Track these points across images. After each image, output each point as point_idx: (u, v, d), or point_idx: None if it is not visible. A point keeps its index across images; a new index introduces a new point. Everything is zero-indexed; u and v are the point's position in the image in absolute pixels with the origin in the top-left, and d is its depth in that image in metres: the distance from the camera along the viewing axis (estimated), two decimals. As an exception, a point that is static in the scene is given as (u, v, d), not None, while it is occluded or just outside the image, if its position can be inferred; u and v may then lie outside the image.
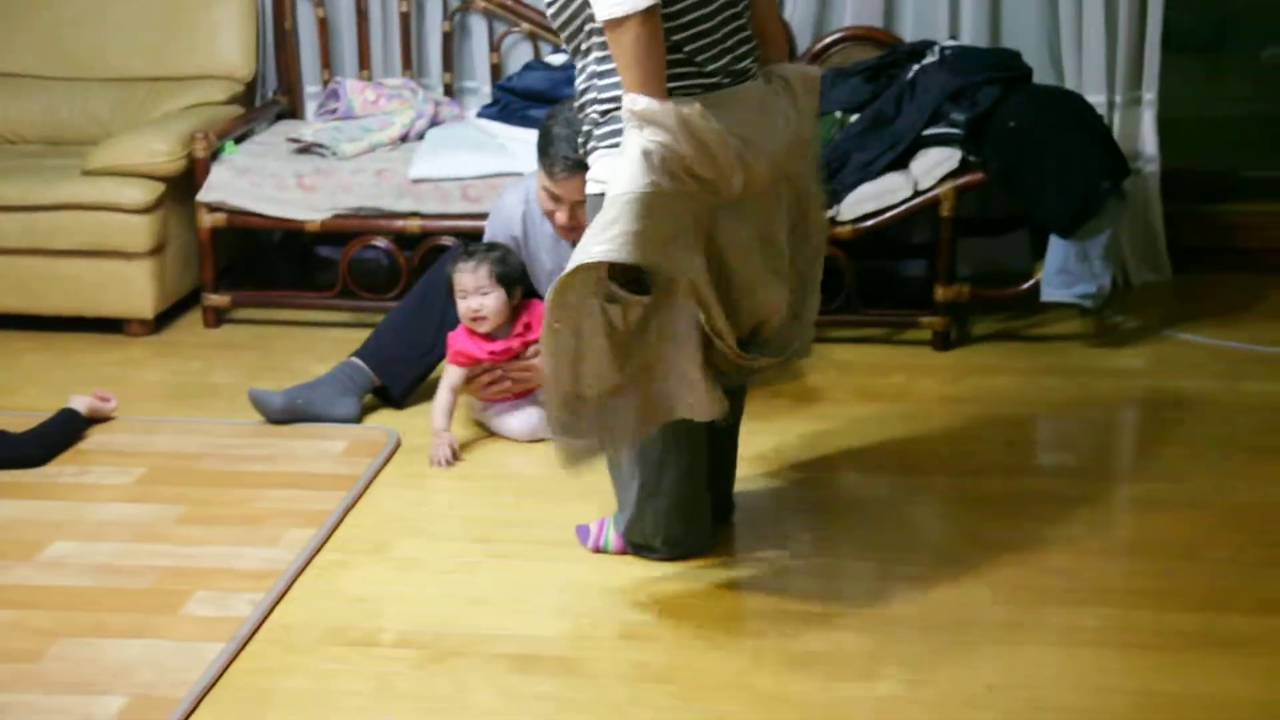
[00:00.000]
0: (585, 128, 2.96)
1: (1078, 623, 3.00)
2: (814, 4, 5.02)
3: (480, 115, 4.95)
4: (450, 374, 3.88)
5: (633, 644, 2.95)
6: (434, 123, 4.97)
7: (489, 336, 3.87)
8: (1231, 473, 3.68)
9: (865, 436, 3.91)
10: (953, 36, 4.94)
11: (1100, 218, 4.31)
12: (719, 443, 3.28)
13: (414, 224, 4.57)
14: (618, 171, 2.72)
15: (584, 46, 2.91)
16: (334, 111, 5.00)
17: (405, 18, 5.18)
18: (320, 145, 4.74)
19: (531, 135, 4.59)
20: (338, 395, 4.01)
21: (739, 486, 3.49)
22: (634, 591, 3.14)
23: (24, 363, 4.51)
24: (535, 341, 3.87)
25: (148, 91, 5.14)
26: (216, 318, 4.81)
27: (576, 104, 2.99)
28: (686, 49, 2.81)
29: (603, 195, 2.93)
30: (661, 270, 2.76)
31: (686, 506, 3.18)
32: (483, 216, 4.41)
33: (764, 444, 3.82)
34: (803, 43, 5.03)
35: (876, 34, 4.95)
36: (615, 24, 2.70)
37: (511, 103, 4.87)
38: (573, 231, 3.67)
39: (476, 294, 3.84)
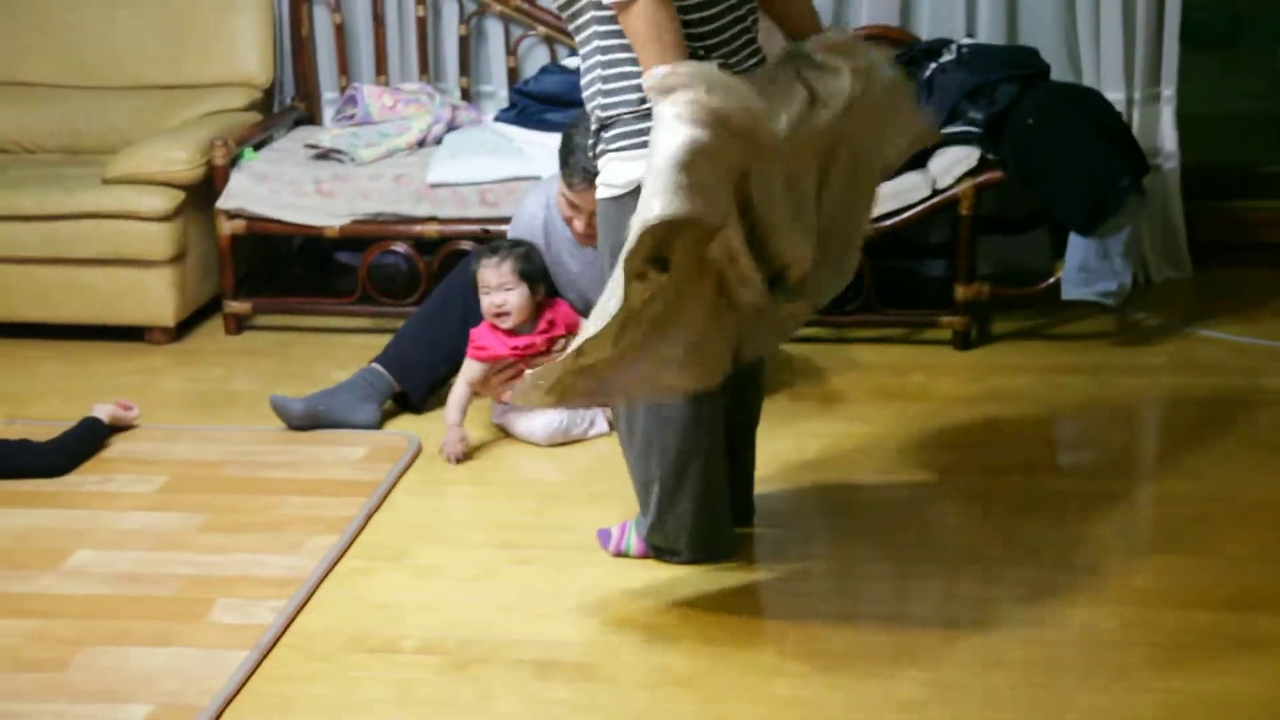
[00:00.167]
0: (593, 127, 2.96)
1: (1100, 622, 3.00)
2: (831, 2, 5.01)
3: (497, 119, 4.96)
4: (469, 369, 3.89)
5: (655, 648, 2.95)
6: (451, 127, 4.97)
7: (512, 332, 3.87)
8: (1254, 470, 3.67)
9: (885, 437, 3.91)
10: (970, 34, 4.93)
11: (1120, 215, 4.30)
12: (737, 445, 3.28)
13: (432, 229, 4.58)
14: (654, 141, 2.65)
15: (589, 47, 2.91)
16: (351, 117, 5.01)
17: (422, 22, 5.19)
18: (338, 151, 4.75)
19: (548, 139, 4.62)
20: (358, 401, 4.02)
21: (759, 489, 3.48)
22: (656, 596, 3.14)
23: (45, 372, 4.52)
24: (560, 338, 3.88)
25: (166, 99, 5.15)
26: (237, 325, 4.82)
27: (587, 107, 2.99)
28: (692, 46, 2.80)
29: (613, 200, 2.93)
30: (706, 219, 2.66)
31: (708, 510, 3.18)
32: (501, 221, 4.43)
33: (783, 445, 3.81)
34: (819, 43, 5.01)
35: (893, 33, 4.94)
36: (624, 8, 2.70)
37: (528, 106, 4.87)
38: (590, 239, 3.67)
39: (500, 290, 3.85)
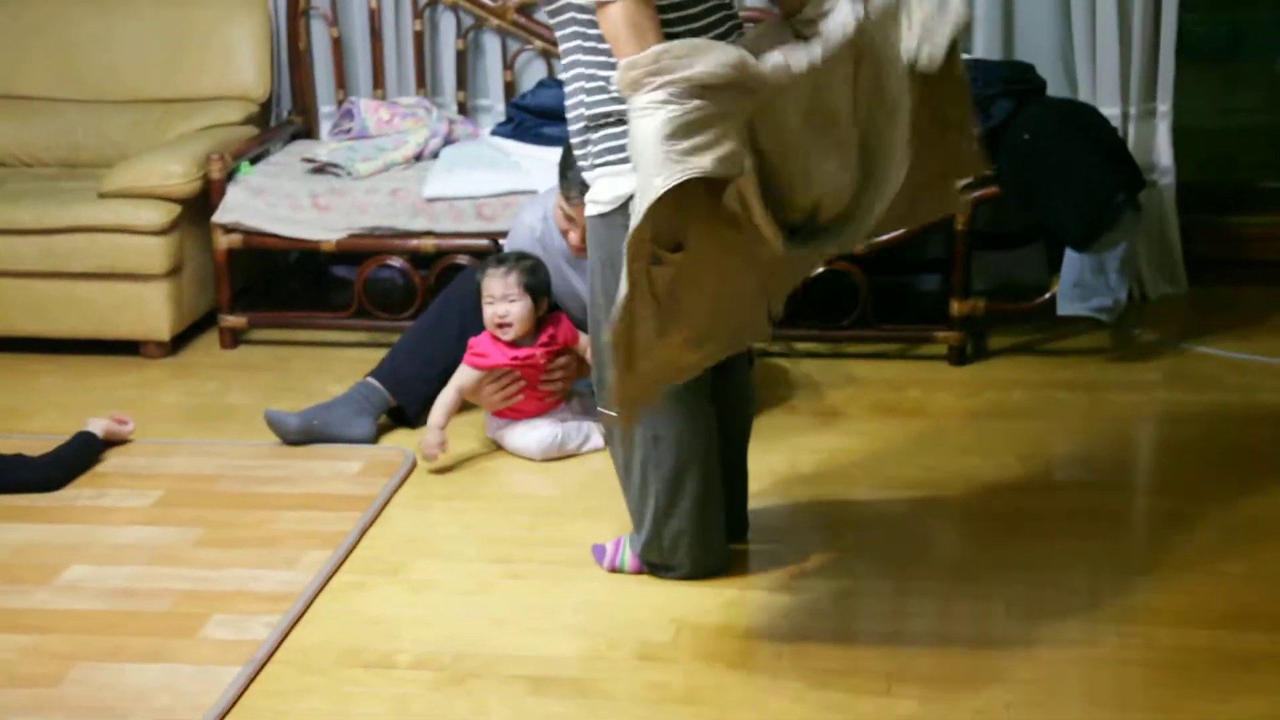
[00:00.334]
0: (579, 138, 2.96)
1: (1096, 639, 2.99)
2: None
3: (494, 133, 4.96)
4: (462, 375, 3.89)
5: (649, 664, 2.94)
6: (448, 141, 4.98)
7: (513, 344, 3.87)
8: (1250, 487, 3.66)
9: (881, 452, 3.90)
10: (965, 50, 4.92)
11: (1116, 231, 4.30)
12: (730, 460, 3.28)
13: (429, 243, 4.58)
14: (632, 133, 2.61)
15: (570, 44, 2.92)
16: (348, 131, 5.01)
17: (419, 37, 5.19)
18: (335, 165, 4.75)
19: (545, 153, 4.62)
20: (354, 416, 4.02)
21: (755, 504, 3.48)
22: (650, 611, 3.14)
23: (41, 385, 4.52)
24: (560, 352, 3.89)
25: (163, 113, 5.15)
26: (233, 339, 4.82)
27: (569, 105, 2.98)
28: None
29: (600, 217, 2.93)
30: (715, 172, 2.59)
31: (702, 525, 3.18)
32: (497, 235, 4.43)
33: (779, 460, 3.81)
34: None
35: (889, 48, 4.94)
36: (602, 7, 2.70)
37: (525, 120, 4.88)
38: (585, 251, 3.67)
39: (504, 300, 3.85)
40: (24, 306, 4.67)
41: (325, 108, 5.32)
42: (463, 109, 5.24)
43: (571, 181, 3.70)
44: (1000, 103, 4.40)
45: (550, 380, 3.91)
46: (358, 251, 4.67)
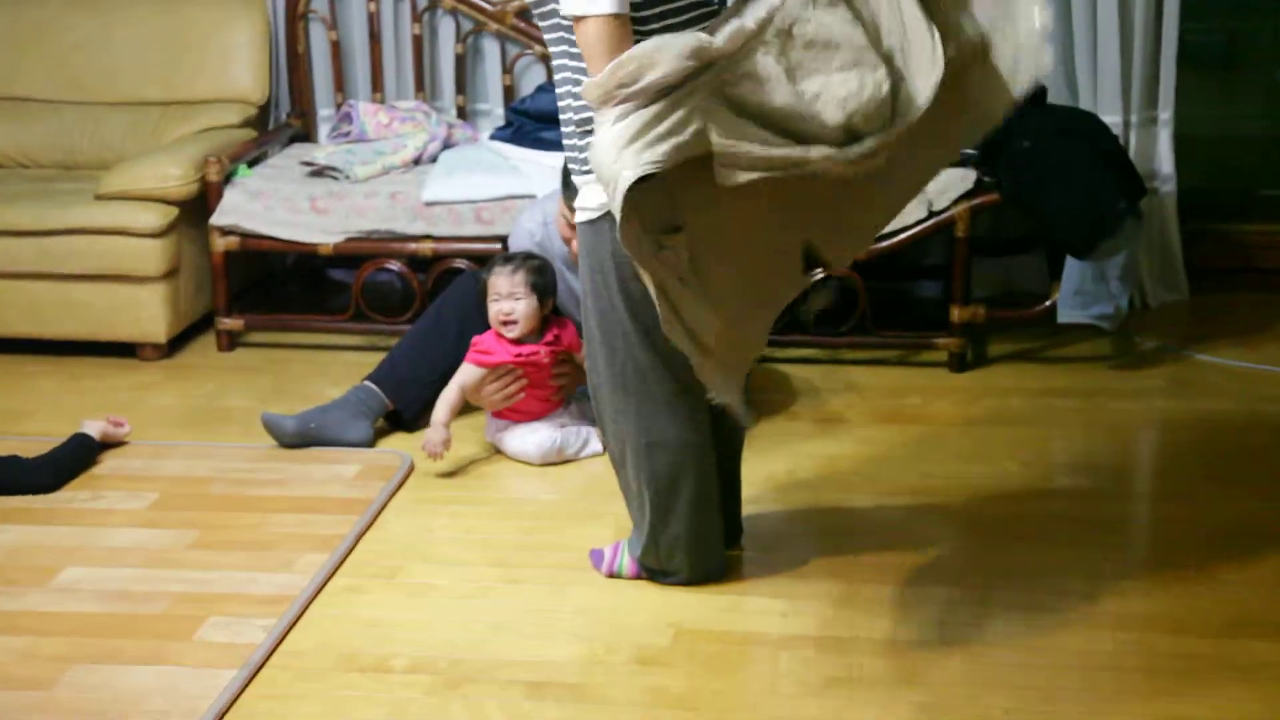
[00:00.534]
0: (569, 141, 2.95)
1: (1095, 646, 2.98)
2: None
3: (493, 138, 4.95)
4: (465, 372, 3.88)
5: (647, 669, 2.93)
6: (447, 145, 4.97)
7: (516, 342, 3.86)
8: (1249, 495, 3.65)
9: (880, 459, 3.89)
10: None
11: (1117, 238, 4.29)
12: (725, 466, 3.27)
13: (427, 247, 4.57)
14: (593, 144, 2.60)
15: (559, 49, 2.92)
16: (347, 134, 5.00)
17: (418, 40, 5.19)
18: (333, 168, 4.74)
19: (544, 157, 4.61)
20: (350, 419, 4.00)
21: (753, 510, 3.47)
22: (649, 616, 3.12)
23: (37, 387, 4.51)
24: (563, 353, 3.88)
25: (160, 115, 5.14)
26: (230, 341, 4.80)
27: (560, 106, 2.97)
28: None
29: (588, 224, 2.94)
30: (673, 161, 2.56)
31: (700, 530, 3.17)
32: (496, 239, 4.42)
33: (778, 466, 3.80)
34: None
35: (890, 55, 4.93)
36: (579, 21, 2.71)
37: (524, 125, 4.87)
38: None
39: (509, 298, 3.85)
40: (20, 308, 4.65)
41: (324, 111, 5.32)
42: (462, 113, 5.23)
43: (574, 190, 3.68)
44: (1001, 110, 4.39)
45: (554, 378, 3.90)
46: (356, 255, 4.66)
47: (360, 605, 3.19)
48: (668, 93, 2.55)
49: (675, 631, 3.06)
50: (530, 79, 5.21)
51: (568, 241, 3.88)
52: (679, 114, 2.55)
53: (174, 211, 4.60)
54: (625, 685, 2.88)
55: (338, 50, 5.25)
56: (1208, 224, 5.23)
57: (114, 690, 2.86)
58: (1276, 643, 2.98)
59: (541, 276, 3.88)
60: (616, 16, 2.69)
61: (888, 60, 2.67)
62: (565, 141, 3.02)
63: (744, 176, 2.62)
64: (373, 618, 3.14)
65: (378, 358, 4.18)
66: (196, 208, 4.67)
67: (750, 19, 2.65)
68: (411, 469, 3.86)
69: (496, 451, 3.97)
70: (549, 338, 3.90)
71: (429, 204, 4.56)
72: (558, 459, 3.89)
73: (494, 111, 5.24)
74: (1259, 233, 5.33)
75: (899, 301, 4.91)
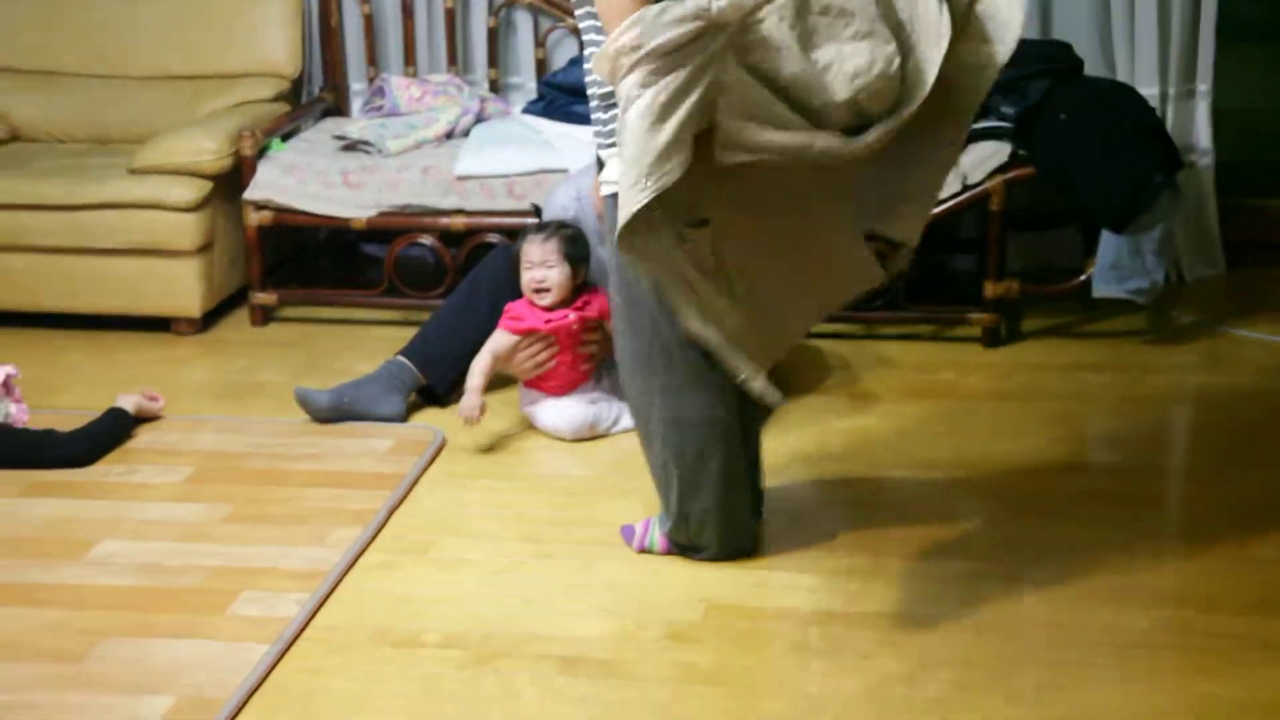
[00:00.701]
0: (594, 115, 2.96)
1: (1127, 623, 2.97)
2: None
3: (525, 111, 4.95)
4: (497, 339, 3.89)
5: (678, 645, 2.93)
6: (479, 119, 4.96)
7: (549, 309, 3.87)
8: (1286, 471, 3.64)
9: (912, 434, 3.88)
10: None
11: (1153, 212, 4.26)
12: (748, 437, 3.25)
13: (459, 221, 4.57)
14: (620, 123, 2.59)
15: (586, 24, 2.91)
16: (380, 108, 5.00)
17: (450, 14, 5.18)
18: (366, 142, 4.74)
19: (576, 131, 4.60)
20: (383, 394, 4.01)
21: (784, 484, 3.48)
22: (679, 592, 3.12)
23: (71, 362, 4.53)
24: (595, 320, 3.88)
25: (194, 89, 5.15)
26: (263, 316, 4.82)
27: (588, 93, 2.99)
28: None
29: (611, 198, 2.93)
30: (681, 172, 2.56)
31: (727, 505, 3.16)
32: (527, 214, 4.41)
33: (808, 442, 3.79)
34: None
35: (924, 27, 4.90)
36: None
37: (556, 99, 4.86)
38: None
39: (542, 266, 3.86)
40: (54, 283, 4.68)
41: (356, 85, 5.32)
42: (494, 86, 5.23)
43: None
44: (1036, 83, 4.36)
45: (584, 345, 3.90)
46: (388, 229, 4.66)
47: (392, 580, 3.20)
48: (680, 60, 2.52)
49: (706, 607, 3.06)
50: (563, 52, 5.20)
51: (600, 217, 3.87)
52: (697, 94, 2.54)
53: (208, 186, 4.61)
54: (655, 661, 2.88)
55: (370, 24, 5.25)
56: (1245, 198, 5.18)
57: (147, 664, 2.88)
58: (1311, 621, 2.97)
59: (574, 246, 3.88)
60: None
61: (897, 31, 2.65)
62: (592, 114, 3.01)
63: (742, 157, 2.62)
64: (405, 592, 3.15)
65: (410, 332, 4.18)
66: (230, 182, 4.68)
67: None
68: (444, 444, 3.86)
69: (529, 426, 3.97)
70: (579, 304, 3.90)
71: (461, 178, 4.56)
72: (590, 434, 3.89)
73: (526, 85, 5.23)
74: (1298, 206, 5.29)
75: (933, 276, 4.89)
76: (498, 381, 4.00)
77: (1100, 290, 4.42)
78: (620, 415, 3.91)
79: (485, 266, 4.17)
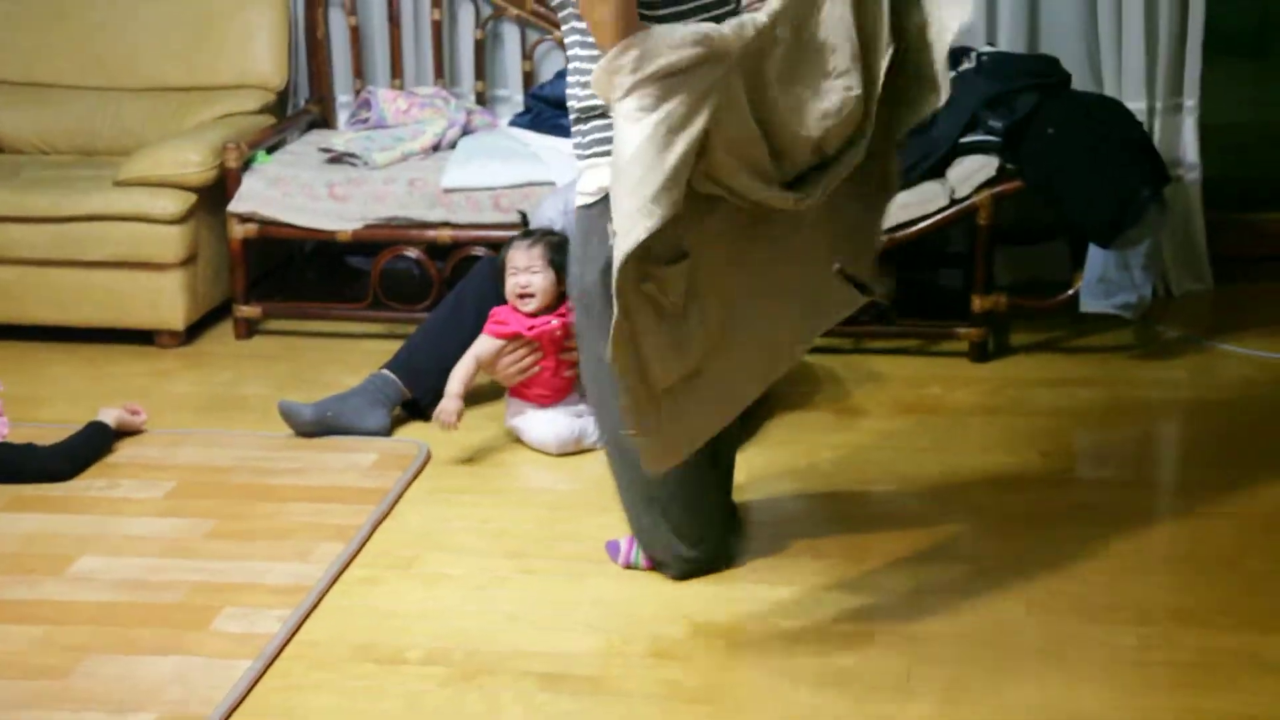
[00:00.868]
0: (574, 128, 2.95)
1: (1118, 640, 2.95)
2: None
3: (512, 124, 4.93)
4: (480, 344, 3.87)
5: (663, 662, 2.91)
6: (466, 131, 4.95)
7: (532, 314, 3.86)
8: (1273, 486, 3.62)
9: (900, 449, 3.87)
10: (990, 42, 4.89)
11: (1140, 226, 4.25)
12: (718, 457, 3.23)
13: (445, 234, 4.55)
14: (617, 139, 2.60)
15: (571, 39, 2.90)
16: (366, 121, 4.99)
17: (437, 26, 5.17)
18: (352, 155, 4.72)
19: (563, 144, 4.58)
20: (368, 407, 3.99)
21: (771, 499, 3.47)
22: (664, 608, 3.10)
23: (53, 374, 4.50)
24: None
25: (180, 101, 5.13)
26: (247, 329, 4.79)
27: (567, 105, 2.97)
28: None
29: (584, 208, 2.92)
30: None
31: (693, 520, 3.15)
32: (514, 226, 4.40)
33: (796, 456, 3.78)
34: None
35: (912, 41, 4.89)
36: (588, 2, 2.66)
37: (543, 111, 4.85)
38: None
39: (526, 272, 3.86)
40: (38, 294, 4.65)
41: (343, 97, 5.30)
42: (481, 99, 5.21)
43: None
44: (1024, 97, 4.36)
45: (567, 352, 3.89)
46: (374, 242, 4.65)
47: (376, 595, 3.18)
48: (679, 85, 2.53)
49: (691, 623, 3.04)
50: (550, 65, 5.19)
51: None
52: (701, 120, 2.56)
53: (192, 198, 4.59)
54: (641, 677, 2.86)
55: (357, 36, 5.24)
56: (1232, 213, 5.18)
57: (130, 680, 2.85)
58: (1301, 637, 2.96)
59: (559, 252, 3.87)
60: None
61: (868, 67, 2.74)
62: (572, 128, 2.99)
63: (713, 189, 2.67)
64: (388, 608, 3.13)
65: (395, 345, 4.16)
66: (215, 194, 4.66)
67: (764, 12, 2.64)
68: (428, 458, 3.84)
69: (514, 440, 3.95)
70: (563, 310, 3.89)
71: (448, 191, 4.54)
72: (575, 449, 3.87)
73: (513, 98, 5.22)
74: (1285, 221, 5.29)
75: (920, 290, 4.88)
76: (483, 395, 3.98)
77: (1088, 305, 4.42)
78: (607, 429, 3.89)
79: (471, 279, 4.16)
